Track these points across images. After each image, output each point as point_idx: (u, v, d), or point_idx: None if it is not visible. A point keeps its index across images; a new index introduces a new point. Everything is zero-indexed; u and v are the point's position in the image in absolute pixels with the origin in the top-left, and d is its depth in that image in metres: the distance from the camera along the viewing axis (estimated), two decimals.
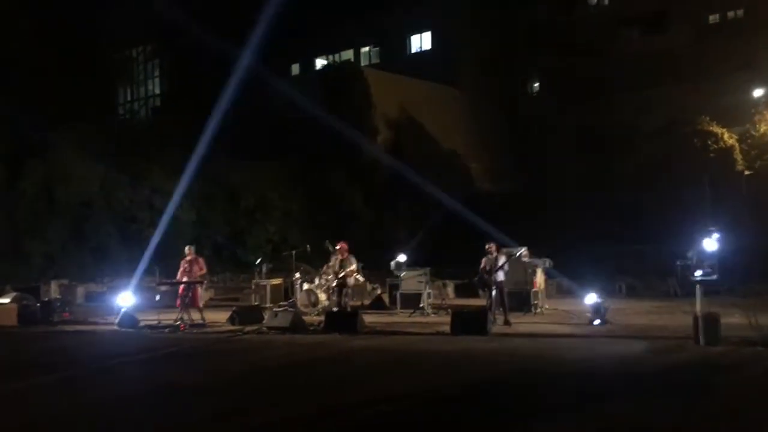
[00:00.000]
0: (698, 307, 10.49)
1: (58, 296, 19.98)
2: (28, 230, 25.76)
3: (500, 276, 13.65)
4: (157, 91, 49.88)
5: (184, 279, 15.44)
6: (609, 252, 23.09)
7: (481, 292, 16.06)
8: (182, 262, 15.64)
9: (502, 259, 13.76)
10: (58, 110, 29.62)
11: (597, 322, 12.89)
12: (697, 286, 10.74)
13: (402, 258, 18.20)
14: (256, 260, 21.10)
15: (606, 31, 37.76)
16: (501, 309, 13.66)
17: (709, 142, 28.81)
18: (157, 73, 49.79)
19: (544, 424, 6.48)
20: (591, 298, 13.28)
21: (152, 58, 48.99)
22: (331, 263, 16.12)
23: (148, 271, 22.66)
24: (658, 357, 9.86)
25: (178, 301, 15.10)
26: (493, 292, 13.56)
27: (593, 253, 21.76)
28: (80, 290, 22.53)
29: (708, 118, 29.47)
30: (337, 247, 15.79)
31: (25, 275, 23.47)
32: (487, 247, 13.84)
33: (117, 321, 14.76)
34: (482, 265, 13.81)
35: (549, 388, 8.15)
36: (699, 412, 6.81)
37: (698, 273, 10.95)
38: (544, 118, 36.02)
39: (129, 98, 50.01)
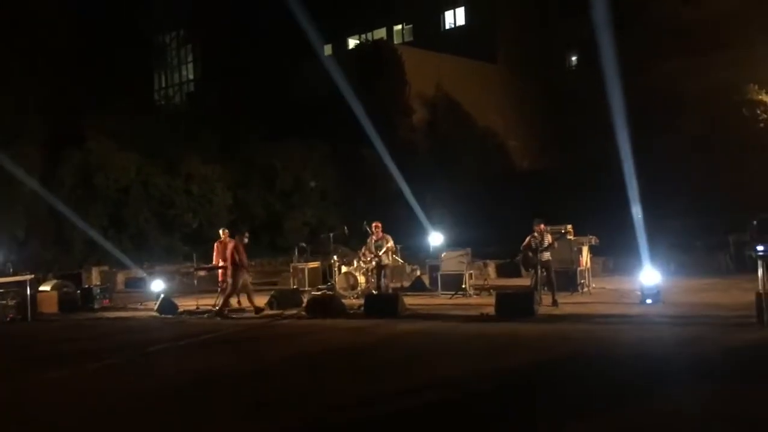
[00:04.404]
0: (761, 285, 9.89)
1: (98, 283, 20.15)
2: (68, 218, 25.98)
3: (546, 255, 13.14)
4: (191, 77, 50.04)
5: (220, 263, 15.38)
6: (655, 227, 22.34)
7: (524, 272, 15.63)
8: (216, 245, 15.64)
9: (548, 238, 13.23)
10: (93, 98, 29.74)
11: (649, 301, 12.35)
12: (759, 262, 10.12)
13: (437, 238, 17.83)
14: (294, 244, 20.92)
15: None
16: (547, 289, 13.20)
17: (759, 111, 27.76)
18: (190, 58, 49.93)
19: (613, 412, 6.04)
20: (650, 276, 12.65)
21: (185, 44, 49.13)
22: (367, 244, 15.84)
23: (186, 256, 22.64)
24: (720, 338, 9.31)
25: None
26: (539, 272, 13.08)
27: (638, 229, 21.06)
28: (120, 276, 22.75)
29: (756, 87, 28.35)
30: (373, 227, 15.51)
31: (67, 262, 23.73)
32: (535, 226, 13.28)
33: (156, 307, 14.72)
34: (525, 243, 13.30)
35: (609, 373, 7.64)
36: None
37: (760, 248, 10.31)
38: (583, 92, 35.05)
39: (164, 84, 50.27)
